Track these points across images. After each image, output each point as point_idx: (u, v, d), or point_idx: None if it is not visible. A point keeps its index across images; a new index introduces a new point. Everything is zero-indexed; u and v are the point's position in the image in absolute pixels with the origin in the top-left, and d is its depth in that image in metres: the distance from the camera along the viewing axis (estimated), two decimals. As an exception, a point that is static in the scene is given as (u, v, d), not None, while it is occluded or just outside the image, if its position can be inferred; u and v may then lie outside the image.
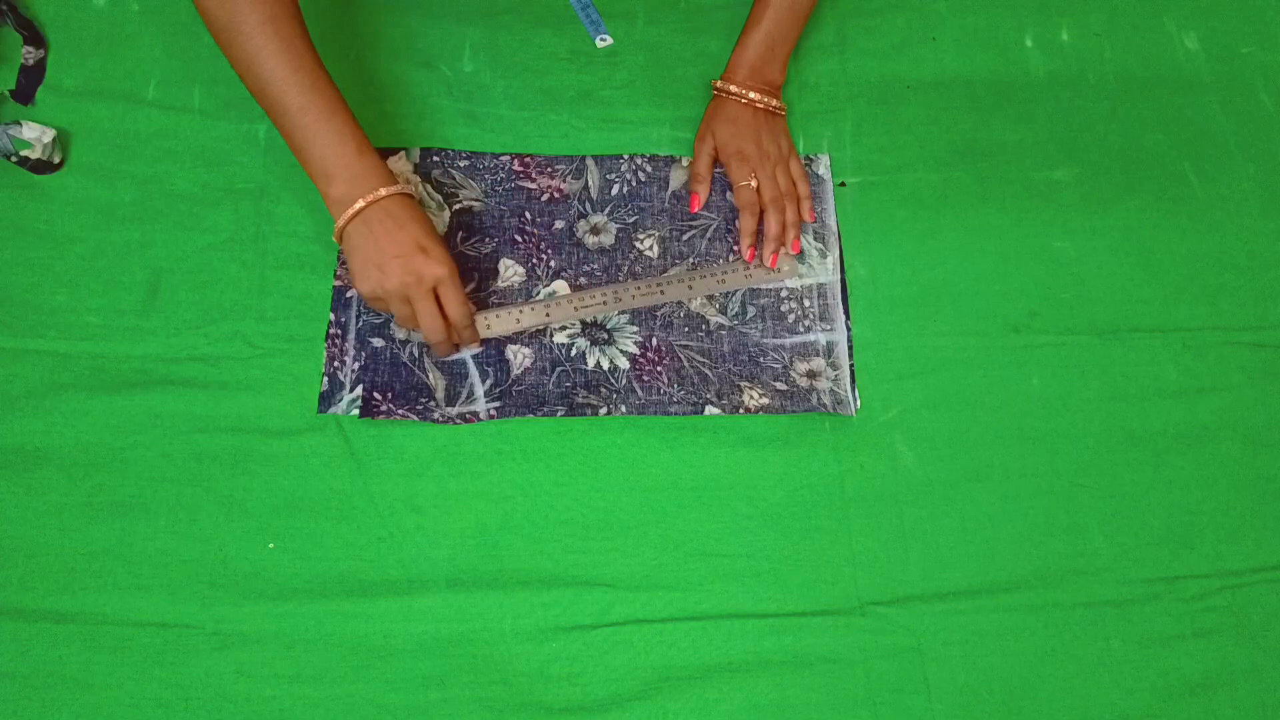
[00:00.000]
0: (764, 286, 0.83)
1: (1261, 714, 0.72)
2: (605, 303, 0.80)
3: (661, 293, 0.80)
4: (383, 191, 0.70)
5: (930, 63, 0.91)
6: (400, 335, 0.78)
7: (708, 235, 0.84)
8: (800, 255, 0.83)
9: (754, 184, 0.82)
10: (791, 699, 0.71)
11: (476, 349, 0.78)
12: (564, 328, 0.80)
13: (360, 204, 0.69)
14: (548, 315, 0.79)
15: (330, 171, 0.69)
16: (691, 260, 0.83)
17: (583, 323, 0.80)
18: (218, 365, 0.76)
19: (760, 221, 0.83)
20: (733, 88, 0.83)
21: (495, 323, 0.78)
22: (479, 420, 0.76)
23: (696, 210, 0.84)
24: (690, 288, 0.81)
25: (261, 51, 0.68)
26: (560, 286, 0.81)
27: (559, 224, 0.83)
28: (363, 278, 0.70)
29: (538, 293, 0.81)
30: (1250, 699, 0.72)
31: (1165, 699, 0.72)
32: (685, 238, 0.84)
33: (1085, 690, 0.72)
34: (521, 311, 0.78)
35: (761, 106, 0.83)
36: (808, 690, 0.71)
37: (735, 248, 0.83)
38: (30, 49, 0.84)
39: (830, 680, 0.71)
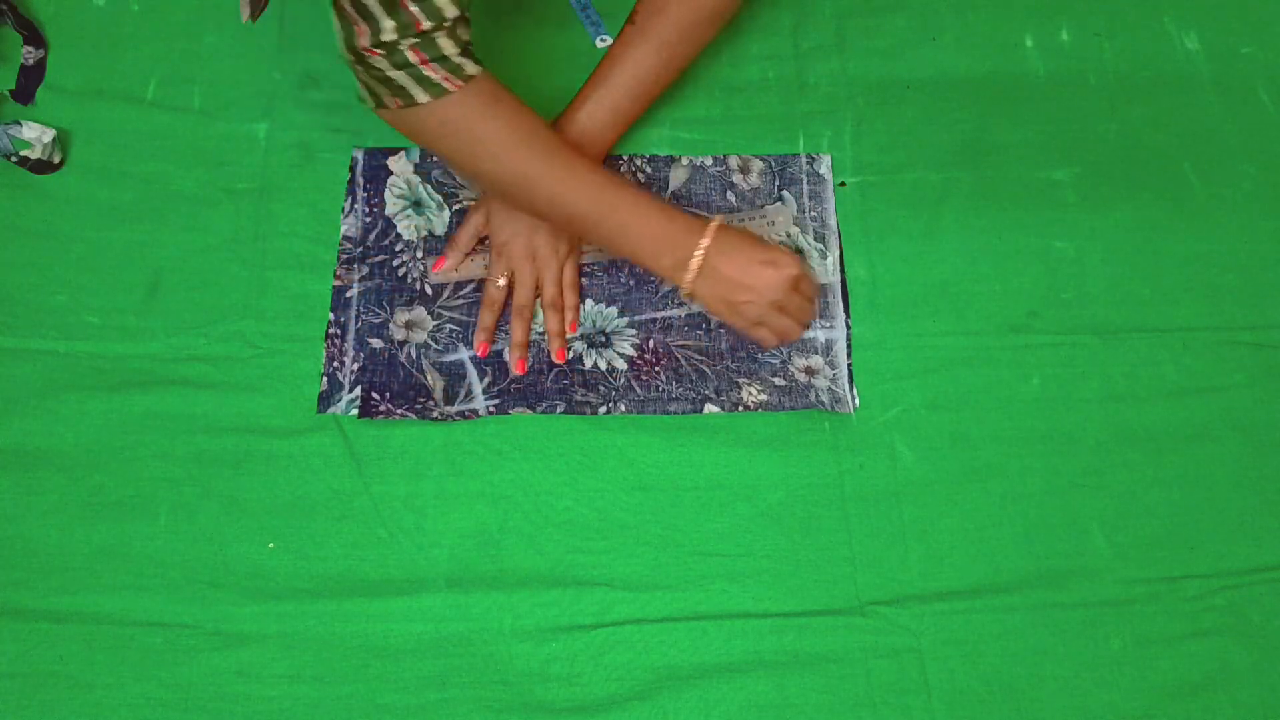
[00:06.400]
0: None
1: (1262, 714, 0.72)
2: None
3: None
4: (704, 242, 0.71)
5: (930, 63, 0.91)
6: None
7: None
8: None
9: (503, 284, 0.78)
10: (791, 699, 0.70)
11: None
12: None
13: (695, 263, 0.71)
14: None
15: (657, 251, 0.72)
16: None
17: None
18: (218, 365, 0.76)
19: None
20: None
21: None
22: (478, 417, 0.76)
23: (436, 272, 0.79)
24: None
25: (557, 187, 0.70)
26: None
27: (559, 224, 0.83)
28: (736, 314, 0.73)
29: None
30: (1250, 699, 0.72)
31: (1165, 699, 0.72)
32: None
33: (1085, 690, 0.72)
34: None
35: None
36: (808, 690, 0.71)
37: None
38: (30, 49, 0.84)
39: (830, 680, 0.71)
